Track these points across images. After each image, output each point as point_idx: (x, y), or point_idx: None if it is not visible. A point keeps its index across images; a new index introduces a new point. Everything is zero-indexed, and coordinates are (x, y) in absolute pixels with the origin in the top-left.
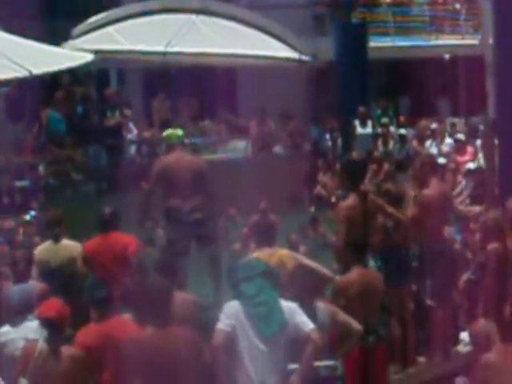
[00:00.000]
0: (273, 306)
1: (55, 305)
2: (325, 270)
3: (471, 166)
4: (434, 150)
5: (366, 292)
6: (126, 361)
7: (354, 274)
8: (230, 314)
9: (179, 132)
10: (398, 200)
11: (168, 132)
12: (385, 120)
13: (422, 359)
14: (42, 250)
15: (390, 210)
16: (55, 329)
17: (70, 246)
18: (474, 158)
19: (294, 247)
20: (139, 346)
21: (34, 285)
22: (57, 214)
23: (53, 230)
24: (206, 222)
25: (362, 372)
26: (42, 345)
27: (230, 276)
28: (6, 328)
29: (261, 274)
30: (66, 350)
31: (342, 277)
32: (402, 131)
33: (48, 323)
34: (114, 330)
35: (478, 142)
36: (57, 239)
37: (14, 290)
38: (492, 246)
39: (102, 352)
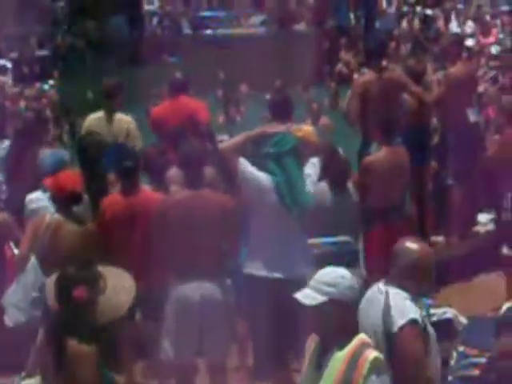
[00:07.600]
0: (300, 183)
1: (66, 178)
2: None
3: (495, 48)
4: (456, 31)
5: (393, 170)
6: (159, 220)
7: (382, 152)
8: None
9: None
10: (418, 77)
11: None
12: None
13: (439, 239)
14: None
15: (414, 88)
16: (65, 202)
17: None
18: (498, 40)
19: (315, 117)
20: (174, 205)
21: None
22: (112, 85)
23: (108, 102)
24: None
25: (384, 246)
26: (49, 219)
27: (256, 149)
28: (38, 194)
29: (289, 152)
30: (75, 225)
31: (371, 155)
32: (428, 11)
33: (58, 196)
34: (142, 200)
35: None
36: (112, 111)
37: (46, 153)
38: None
39: (130, 220)
